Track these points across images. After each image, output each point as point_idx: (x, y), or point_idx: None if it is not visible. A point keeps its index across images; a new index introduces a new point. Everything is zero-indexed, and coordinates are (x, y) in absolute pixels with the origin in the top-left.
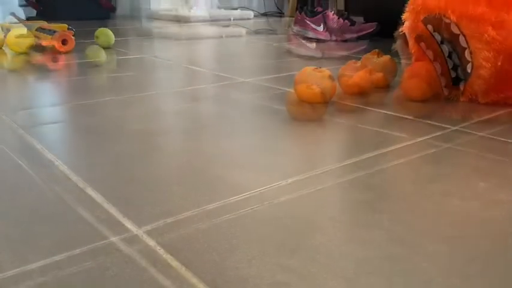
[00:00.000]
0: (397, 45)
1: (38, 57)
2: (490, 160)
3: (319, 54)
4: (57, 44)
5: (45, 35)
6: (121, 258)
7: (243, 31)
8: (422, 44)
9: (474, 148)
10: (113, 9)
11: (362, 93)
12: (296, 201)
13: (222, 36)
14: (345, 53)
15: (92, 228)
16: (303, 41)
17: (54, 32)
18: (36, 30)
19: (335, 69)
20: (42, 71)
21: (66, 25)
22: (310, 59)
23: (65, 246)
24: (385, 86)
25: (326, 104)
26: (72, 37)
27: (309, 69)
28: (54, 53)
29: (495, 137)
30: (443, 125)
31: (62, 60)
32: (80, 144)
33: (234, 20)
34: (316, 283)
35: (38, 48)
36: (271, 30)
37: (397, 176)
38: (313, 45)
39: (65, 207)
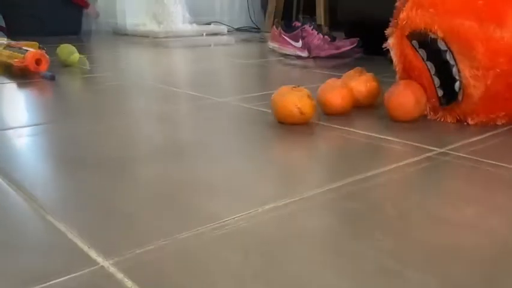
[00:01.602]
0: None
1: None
2: (479, 184)
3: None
4: (30, 65)
5: (16, 53)
6: (90, 276)
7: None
8: (415, 42)
9: (463, 172)
10: (86, 5)
11: (343, 113)
12: (273, 229)
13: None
14: (324, 70)
15: (54, 260)
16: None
17: (26, 50)
18: (5, 48)
19: (314, 88)
20: (8, 89)
21: (37, 42)
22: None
23: (27, 279)
24: (369, 106)
25: (306, 125)
26: (46, 56)
27: (286, 88)
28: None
29: (484, 160)
30: (430, 147)
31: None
32: (41, 170)
33: (206, 35)
34: None
35: (4, 66)
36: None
37: (380, 201)
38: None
39: (25, 237)
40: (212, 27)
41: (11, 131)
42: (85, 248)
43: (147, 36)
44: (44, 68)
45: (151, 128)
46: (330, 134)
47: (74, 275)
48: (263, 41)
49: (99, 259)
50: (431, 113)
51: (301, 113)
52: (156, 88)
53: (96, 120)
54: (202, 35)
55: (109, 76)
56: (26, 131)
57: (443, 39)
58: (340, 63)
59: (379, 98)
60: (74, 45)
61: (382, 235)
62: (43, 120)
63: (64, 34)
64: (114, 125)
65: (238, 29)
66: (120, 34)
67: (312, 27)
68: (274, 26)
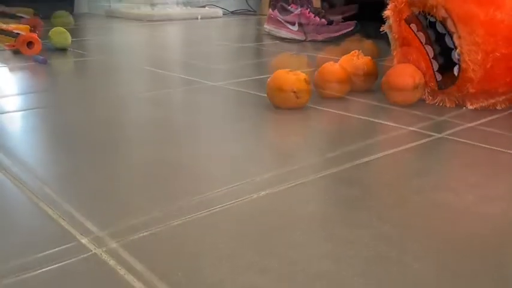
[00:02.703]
0: (387, 26)
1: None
2: (479, 170)
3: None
4: (22, 47)
5: (7, 37)
6: (78, 280)
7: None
8: (413, 26)
9: (462, 157)
10: None
11: (341, 97)
12: (268, 215)
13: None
14: (321, 53)
15: (45, 246)
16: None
17: (18, 34)
18: None
19: (311, 72)
20: None
21: (28, 26)
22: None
23: (18, 266)
24: (366, 90)
25: (302, 109)
26: (39, 39)
27: (282, 72)
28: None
29: (484, 145)
30: (428, 132)
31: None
32: (33, 154)
33: (201, 19)
34: (295, 286)
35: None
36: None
37: (378, 187)
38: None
39: (17, 223)
40: (207, 10)
41: (2, 115)
42: (77, 234)
43: (140, 20)
44: (36, 51)
45: (145, 111)
46: (326, 118)
47: (67, 261)
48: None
49: (92, 246)
50: (430, 97)
51: (297, 97)
52: (150, 72)
53: (88, 103)
54: (197, 18)
55: (102, 59)
56: (18, 115)
57: (442, 23)
58: (337, 46)
59: (376, 82)
60: (67, 29)
61: (379, 221)
62: (35, 104)
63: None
64: (107, 108)
65: (233, 12)
66: (113, 17)
67: (308, 10)
68: (271, 9)
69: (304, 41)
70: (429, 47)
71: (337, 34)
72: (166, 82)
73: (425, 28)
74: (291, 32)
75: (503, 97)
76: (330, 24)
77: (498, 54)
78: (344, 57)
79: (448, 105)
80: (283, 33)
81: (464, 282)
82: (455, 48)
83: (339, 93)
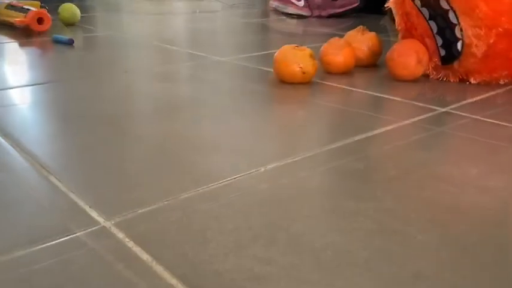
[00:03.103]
0: (386, 20)
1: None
2: (482, 144)
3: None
4: (32, 24)
5: (17, 13)
6: (87, 253)
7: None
8: (417, 2)
9: (465, 131)
10: None
11: (346, 73)
12: (275, 188)
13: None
14: (327, 29)
15: (55, 220)
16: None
17: (28, 10)
18: (6, 8)
19: (317, 47)
20: (7, 48)
21: (39, 2)
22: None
23: (26, 241)
24: (371, 65)
25: (307, 84)
26: (49, 15)
27: (288, 47)
28: (27, 32)
29: (487, 119)
30: (432, 107)
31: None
32: (43, 129)
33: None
34: (298, 276)
35: (8, 27)
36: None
37: (382, 160)
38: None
39: (27, 197)
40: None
41: (12, 90)
42: (86, 208)
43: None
44: (46, 27)
45: (153, 87)
46: (331, 93)
47: (75, 235)
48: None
49: (101, 219)
50: (434, 72)
51: (303, 72)
52: (158, 47)
53: (97, 79)
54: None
55: (111, 35)
56: (28, 90)
57: None
58: (342, 22)
59: (381, 57)
60: (76, 5)
61: (383, 194)
62: (44, 80)
63: None
64: (115, 83)
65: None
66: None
67: None
68: None
69: (310, 16)
70: (433, 22)
71: (342, 10)
72: (174, 57)
73: (429, 4)
74: (297, 8)
75: (506, 72)
76: (335, 0)
77: (501, 30)
78: (349, 32)
79: (451, 80)
80: (290, 9)
81: (467, 254)
82: (459, 23)
83: (344, 68)
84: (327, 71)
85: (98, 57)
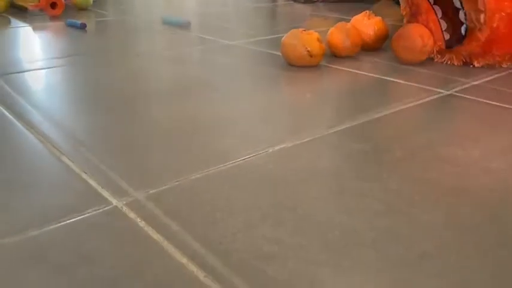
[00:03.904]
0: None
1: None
2: (485, 126)
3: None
4: (46, 8)
5: None
6: (100, 232)
7: None
8: None
9: (469, 114)
10: None
11: (352, 56)
12: (283, 169)
13: None
14: (334, 14)
15: (68, 200)
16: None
17: None
18: None
19: (324, 31)
20: (21, 32)
21: None
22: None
23: (40, 220)
24: (377, 49)
25: (315, 68)
26: (62, 0)
27: (296, 31)
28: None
29: (490, 101)
30: (436, 90)
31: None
32: (56, 110)
33: None
34: (305, 256)
35: (20, 10)
36: None
37: (387, 142)
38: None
39: (41, 177)
40: None
41: (27, 73)
42: (99, 188)
43: None
44: (59, 11)
45: (164, 70)
46: (338, 76)
47: (87, 214)
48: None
49: (113, 199)
50: (438, 55)
51: (311, 55)
52: (169, 31)
53: (110, 62)
54: None
55: (123, 20)
56: (42, 73)
57: None
58: (348, 7)
59: (387, 41)
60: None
61: (390, 175)
62: (58, 63)
63: None
64: (127, 66)
65: None
66: None
67: None
68: None
69: (317, 1)
70: (437, 7)
71: None
72: (185, 41)
73: (433, 3)
74: None
75: (509, 55)
76: None
77: (504, 14)
78: (355, 17)
79: (455, 64)
80: None
81: (471, 233)
82: (463, 8)
83: (350, 52)
84: (334, 54)
85: (110, 41)
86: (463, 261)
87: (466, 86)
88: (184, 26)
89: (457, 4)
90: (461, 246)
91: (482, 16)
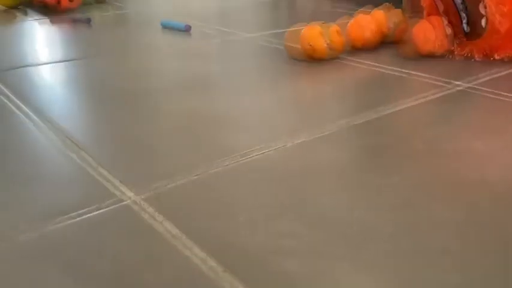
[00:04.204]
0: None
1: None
2: (506, 118)
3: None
4: (62, 1)
5: None
6: (117, 227)
7: None
8: None
9: (490, 106)
10: None
11: (372, 49)
12: (301, 164)
13: None
14: (354, 6)
15: (84, 195)
16: None
17: None
18: None
19: (343, 24)
20: (31, 24)
21: None
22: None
23: (55, 215)
24: (396, 41)
25: (334, 61)
26: None
27: (316, 24)
28: (57, 9)
29: (511, 94)
30: (456, 82)
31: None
32: (72, 103)
33: None
34: (324, 251)
35: (35, 3)
36: None
37: (406, 135)
38: None
39: (56, 171)
40: None
41: (42, 66)
42: (116, 182)
43: None
44: (75, 4)
45: (176, 63)
46: (357, 68)
47: (105, 209)
48: None
49: (130, 194)
50: (458, 48)
51: (330, 48)
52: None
53: (124, 55)
54: None
55: (139, 12)
56: (58, 66)
57: None
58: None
59: (406, 34)
60: None
61: (409, 169)
62: (74, 56)
63: None
64: (141, 60)
65: None
66: None
67: None
68: None
69: None
70: (448, 17)
71: None
72: (201, 34)
73: None
74: None
75: None
76: None
77: None
78: (376, 9)
79: (475, 56)
80: None
81: (492, 228)
82: (483, 0)
83: (370, 45)
84: (354, 47)
85: (126, 34)
86: (484, 257)
87: (486, 78)
88: (184, 30)
89: None
90: (481, 242)
91: (502, 8)
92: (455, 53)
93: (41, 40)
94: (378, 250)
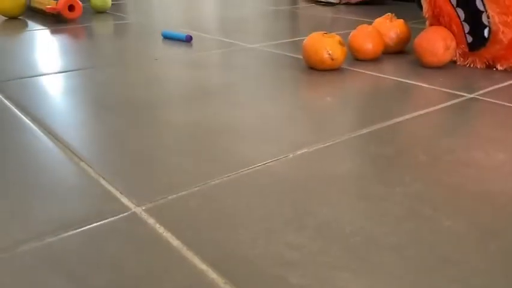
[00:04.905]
0: None
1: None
2: (509, 129)
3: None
4: (63, 11)
5: (48, 0)
6: (118, 238)
7: None
8: None
9: (492, 117)
10: None
11: (374, 59)
12: (304, 174)
13: None
14: (355, 17)
15: (87, 206)
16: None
17: None
18: None
19: (345, 34)
20: (32, 34)
21: None
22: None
23: (58, 226)
24: (399, 52)
25: (336, 71)
26: (79, 3)
27: (317, 34)
28: (58, 19)
29: None
30: (459, 93)
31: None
32: (74, 115)
33: None
34: (327, 262)
35: (37, 13)
36: None
37: (410, 146)
38: None
39: (58, 183)
40: None
41: (43, 77)
42: (117, 194)
43: None
44: (77, 14)
45: (182, 73)
46: (360, 79)
47: (106, 220)
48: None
49: (132, 205)
50: (461, 58)
51: (332, 58)
52: (188, 34)
53: (127, 66)
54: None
55: (141, 23)
56: (59, 77)
57: None
58: (370, 9)
59: (409, 44)
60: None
61: (412, 180)
62: (75, 67)
63: None
64: (145, 70)
65: None
66: None
67: None
68: None
69: (339, 4)
70: (460, 9)
71: None
72: (203, 44)
73: (455, 6)
74: None
75: None
76: None
77: None
78: (377, 19)
79: (478, 67)
80: None
81: (494, 238)
82: (486, 11)
83: (372, 55)
84: (356, 57)
85: (128, 45)
86: (486, 267)
87: (489, 89)
88: (185, 40)
89: (480, 6)
90: (484, 252)
91: (505, 19)
92: (458, 63)
93: (41, 51)
94: (380, 260)
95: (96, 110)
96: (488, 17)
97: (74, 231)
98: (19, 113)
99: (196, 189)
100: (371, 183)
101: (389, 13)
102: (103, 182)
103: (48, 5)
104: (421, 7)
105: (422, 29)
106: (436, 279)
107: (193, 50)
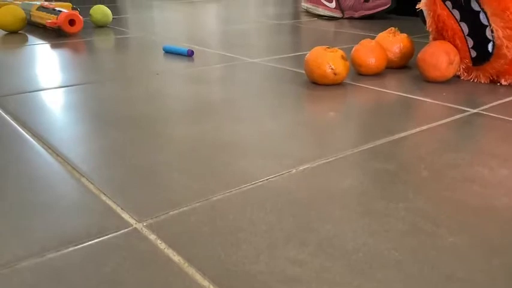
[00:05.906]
0: (423, 3)
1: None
2: None
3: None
4: (64, 25)
5: (49, 14)
6: (119, 254)
7: None
8: (448, 3)
9: (496, 133)
10: None
11: (377, 74)
12: (306, 190)
13: None
14: (358, 31)
15: (87, 222)
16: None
17: (59, 11)
18: (38, 9)
19: (348, 49)
20: (32, 49)
21: (70, 4)
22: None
23: (58, 242)
24: (402, 66)
25: (339, 86)
26: (80, 17)
27: (320, 48)
28: (59, 34)
29: None
30: (463, 108)
31: (66, 39)
32: (74, 130)
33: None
34: (329, 278)
35: (38, 28)
36: None
37: (413, 161)
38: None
39: (58, 198)
40: None
41: (44, 91)
42: (118, 209)
43: None
44: (77, 29)
45: (184, 88)
46: (363, 94)
47: (107, 236)
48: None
49: (133, 221)
50: (465, 73)
51: (335, 73)
52: (189, 48)
53: (128, 80)
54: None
55: (142, 37)
56: (59, 92)
57: (477, 0)
58: (373, 24)
59: (412, 59)
60: (108, 7)
61: (415, 196)
62: (76, 81)
63: None
64: (146, 85)
65: None
66: None
67: None
68: None
69: (341, 18)
70: (464, 24)
71: (374, 11)
72: (204, 59)
73: (460, 5)
74: (328, 9)
75: None
76: (367, 2)
77: None
78: (381, 34)
79: (482, 81)
80: (321, 10)
81: (498, 254)
82: (490, 25)
83: (375, 70)
84: (359, 72)
85: (129, 59)
86: (490, 283)
87: (493, 104)
88: (187, 55)
89: (484, 21)
90: (488, 268)
91: (509, 33)
92: (462, 78)
93: (41, 65)
94: (383, 277)
95: (97, 125)
96: (492, 32)
97: (75, 247)
98: (19, 128)
99: (197, 204)
100: (374, 198)
101: (392, 27)
102: (104, 197)
103: (49, 19)
104: (424, 21)
105: (425, 44)
106: None
107: (195, 65)
